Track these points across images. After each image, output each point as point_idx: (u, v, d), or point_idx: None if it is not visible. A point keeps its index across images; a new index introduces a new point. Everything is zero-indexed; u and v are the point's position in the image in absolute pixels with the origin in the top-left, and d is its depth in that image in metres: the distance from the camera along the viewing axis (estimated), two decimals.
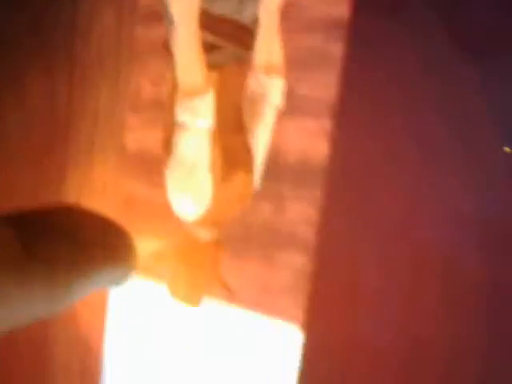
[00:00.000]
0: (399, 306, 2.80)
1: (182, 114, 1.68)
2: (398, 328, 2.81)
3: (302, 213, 3.21)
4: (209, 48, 1.80)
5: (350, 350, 2.93)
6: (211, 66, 1.78)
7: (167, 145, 1.81)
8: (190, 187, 1.74)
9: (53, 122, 2.54)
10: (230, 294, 1.88)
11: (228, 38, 1.88)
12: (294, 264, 3.25)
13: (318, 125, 3.13)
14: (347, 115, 2.94)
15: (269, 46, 2.04)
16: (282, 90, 2.08)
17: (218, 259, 1.92)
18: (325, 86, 3.07)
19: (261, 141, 2.04)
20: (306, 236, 3.20)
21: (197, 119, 1.67)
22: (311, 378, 3.08)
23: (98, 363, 3.67)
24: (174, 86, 1.79)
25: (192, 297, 1.86)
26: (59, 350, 3.20)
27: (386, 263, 2.85)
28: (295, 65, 2.60)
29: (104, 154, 3.05)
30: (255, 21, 1.94)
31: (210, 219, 1.86)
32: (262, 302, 3.39)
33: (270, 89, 2.04)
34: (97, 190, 3.08)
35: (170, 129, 1.80)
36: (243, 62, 1.96)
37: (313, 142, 3.15)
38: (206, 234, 1.89)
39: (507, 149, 2.47)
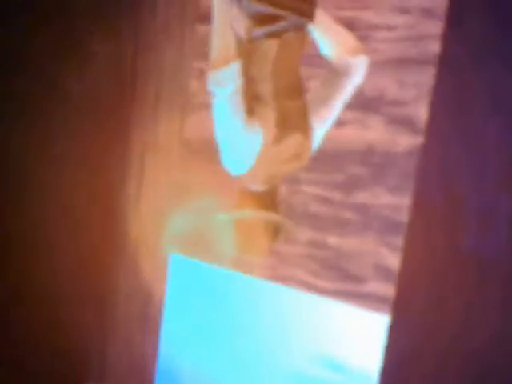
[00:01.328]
0: None
1: (211, 85, 1.96)
2: None
3: None
4: (270, 19, 2.01)
5: None
6: (272, 36, 2.03)
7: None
8: (230, 145, 2.01)
9: (118, 84, 2.65)
10: (290, 235, 2.19)
11: (288, 8, 2.02)
12: None
13: None
14: None
15: (337, 29, 2.23)
16: (365, 68, 2.24)
17: (275, 204, 2.17)
18: None
19: (335, 111, 2.23)
20: None
21: (220, 89, 1.94)
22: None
23: (158, 312, 3.85)
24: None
25: (259, 244, 2.13)
26: (121, 299, 3.42)
27: None
28: None
29: (168, 111, 3.11)
30: None
31: (262, 174, 2.11)
32: None
33: (355, 66, 2.22)
34: (161, 145, 3.12)
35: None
36: (303, 30, 2.11)
37: None
38: (258, 187, 2.15)
39: None
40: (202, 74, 4.04)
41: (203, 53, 3.60)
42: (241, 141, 2.00)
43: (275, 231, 2.14)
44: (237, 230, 2.14)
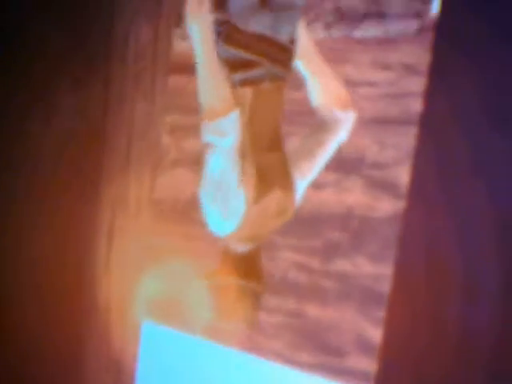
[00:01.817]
0: None
1: (207, 136, 1.83)
2: None
3: None
4: (245, 65, 1.93)
5: None
6: (247, 83, 1.92)
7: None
8: (220, 202, 1.88)
9: (86, 140, 2.57)
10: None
11: (264, 55, 1.95)
12: None
13: None
14: None
15: (331, 78, 2.14)
16: (352, 124, 2.17)
17: (259, 268, 2.06)
18: None
19: (317, 166, 2.14)
20: None
21: (221, 139, 1.81)
22: None
23: (130, 383, 3.83)
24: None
25: (244, 311, 2.00)
26: (90, 370, 3.18)
27: None
28: None
29: (139, 170, 3.07)
30: (292, 39, 2.02)
31: (245, 234, 1.97)
32: None
33: (342, 121, 2.14)
34: (131, 206, 3.10)
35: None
36: (279, 80, 2.03)
37: None
38: (242, 247, 2.02)
39: None
40: (173, 129, 3.96)
41: (175, 106, 3.52)
42: (231, 198, 1.87)
43: (258, 299, 2.02)
44: (219, 296, 2.01)
